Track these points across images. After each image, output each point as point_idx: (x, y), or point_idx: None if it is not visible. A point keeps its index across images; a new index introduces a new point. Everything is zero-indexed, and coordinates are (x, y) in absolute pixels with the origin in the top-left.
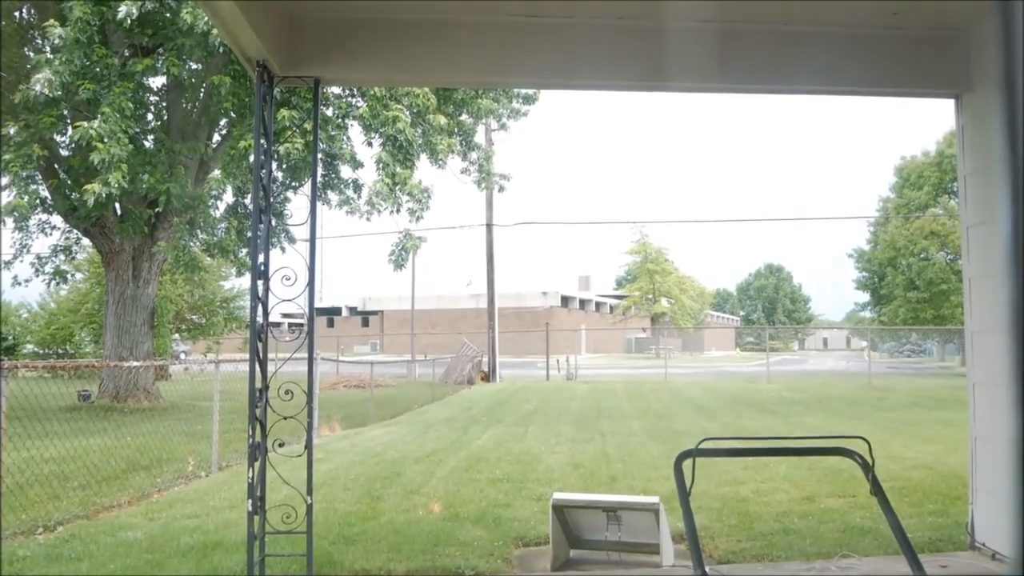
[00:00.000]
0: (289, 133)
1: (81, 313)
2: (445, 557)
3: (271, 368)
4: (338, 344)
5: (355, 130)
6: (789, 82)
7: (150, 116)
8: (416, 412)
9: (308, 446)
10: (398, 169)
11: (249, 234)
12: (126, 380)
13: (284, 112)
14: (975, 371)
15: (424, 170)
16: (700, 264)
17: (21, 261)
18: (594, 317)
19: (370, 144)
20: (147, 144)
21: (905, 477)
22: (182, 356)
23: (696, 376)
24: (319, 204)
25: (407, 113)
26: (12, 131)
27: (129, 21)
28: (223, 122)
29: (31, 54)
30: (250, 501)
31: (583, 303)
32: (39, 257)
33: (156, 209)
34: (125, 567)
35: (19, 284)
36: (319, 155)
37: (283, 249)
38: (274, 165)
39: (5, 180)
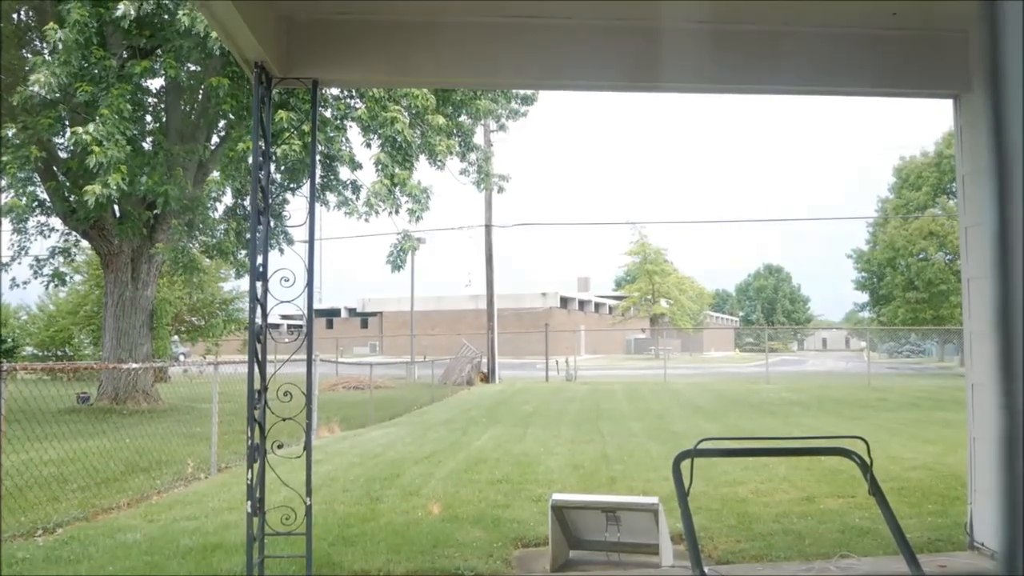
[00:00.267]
0: (287, 135)
1: (80, 315)
2: (444, 558)
3: (270, 370)
4: (337, 345)
5: (353, 131)
6: (787, 82)
7: (148, 118)
8: (415, 413)
9: (307, 447)
10: (397, 170)
11: (248, 236)
12: (125, 382)
13: (282, 114)
14: (974, 371)
15: (423, 171)
16: (699, 265)
17: (19, 263)
18: (593, 318)
19: (369, 145)
20: (146, 146)
21: (904, 477)
22: (181, 358)
23: (695, 377)
24: (317, 205)
25: (405, 114)
26: (10, 133)
27: (127, 22)
28: (221, 124)
29: (29, 56)
30: (249, 503)
31: (582, 304)
32: (38, 259)
33: (155, 211)
34: (124, 569)
35: (17, 286)
36: (317, 156)
37: (282, 251)
38: (273, 167)
39: (4, 182)
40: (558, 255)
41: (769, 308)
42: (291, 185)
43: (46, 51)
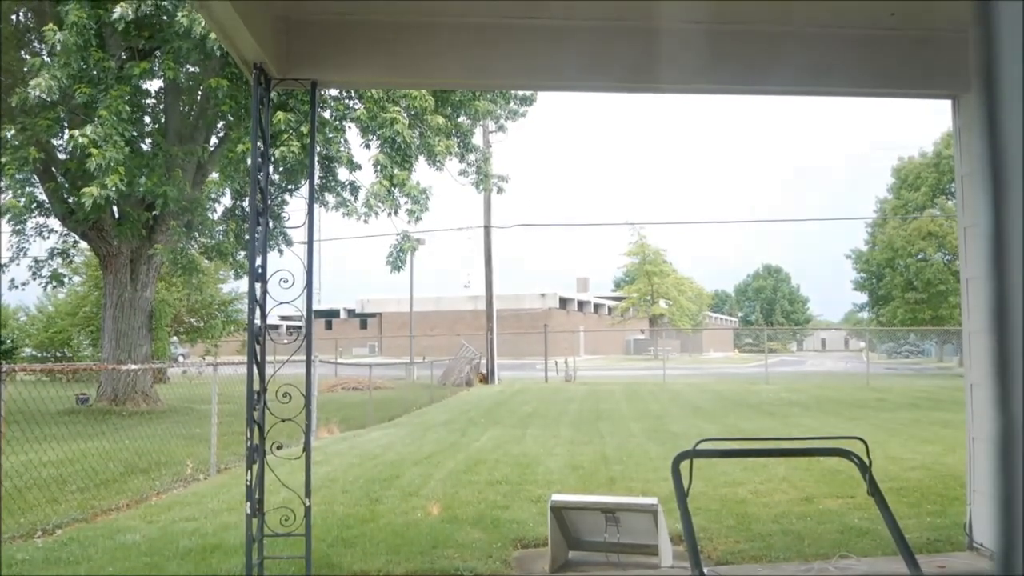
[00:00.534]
0: (286, 136)
1: (79, 316)
2: (444, 559)
3: (269, 370)
4: (336, 346)
5: (352, 132)
6: (786, 82)
7: (147, 119)
8: (415, 414)
9: (306, 448)
10: (396, 171)
11: (247, 237)
12: (124, 383)
13: (281, 115)
14: (973, 371)
15: (422, 172)
16: (698, 265)
17: (18, 264)
18: (592, 319)
19: (368, 146)
20: (144, 147)
21: (903, 478)
22: (180, 359)
23: (694, 377)
24: (316, 206)
25: (404, 115)
26: (9, 134)
27: (125, 24)
28: (220, 125)
29: (28, 57)
30: (248, 504)
31: (581, 304)
32: (37, 260)
33: (154, 212)
34: (124, 570)
35: (17, 287)
36: (316, 157)
37: (281, 252)
38: (271, 168)
39: (3, 183)
40: (557, 256)
41: (768, 309)
42: (290, 186)
43: (45, 53)
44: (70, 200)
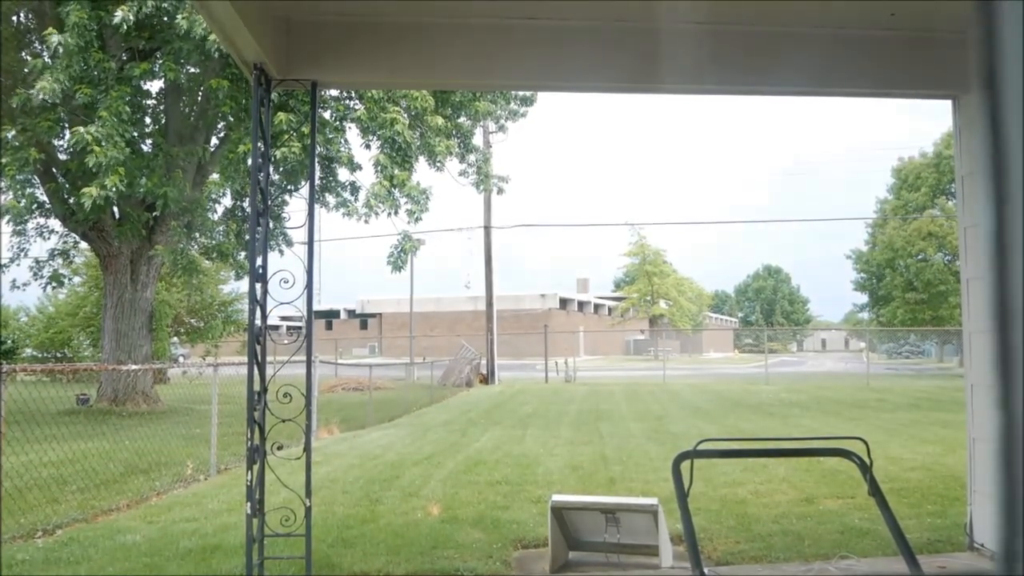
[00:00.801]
0: (287, 136)
1: (79, 317)
2: (444, 559)
3: (269, 371)
4: (336, 347)
5: (352, 132)
6: (786, 83)
7: (148, 120)
8: (415, 415)
9: (307, 449)
10: (396, 171)
11: (247, 237)
12: (124, 384)
13: (282, 115)
14: (973, 372)
15: (422, 173)
16: (698, 266)
17: (18, 265)
18: (592, 319)
19: (368, 146)
20: (145, 148)
21: (904, 478)
22: (180, 359)
23: (694, 378)
24: (317, 207)
25: (404, 115)
26: (10, 135)
27: (126, 26)
28: (221, 125)
29: (28, 58)
30: (249, 504)
31: (581, 305)
32: (38, 261)
33: (154, 213)
34: (124, 570)
35: (18, 288)
36: (316, 158)
37: (281, 252)
38: (272, 168)
39: (3, 184)
40: (557, 256)
41: (768, 309)
42: (290, 187)
43: (46, 54)
44: (70, 201)
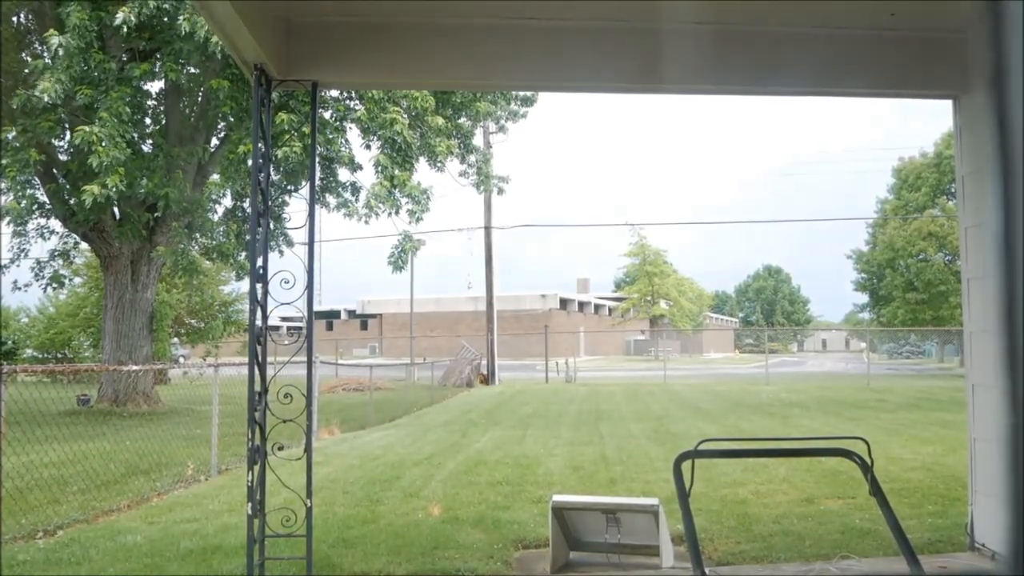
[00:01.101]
0: (287, 136)
1: (80, 317)
2: (444, 560)
3: (270, 371)
4: (337, 347)
5: (353, 133)
6: (786, 83)
7: (148, 121)
8: (415, 415)
9: (307, 449)
10: (396, 171)
11: (248, 237)
12: (125, 384)
13: (282, 116)
14: (974, 372)
15: (423, 173)
16: (698, 266)
17: (18, 265)
18: (593, 319)
19: (368, 147)
20: (145, 149)
21: (904, 478)
22: (181, 360)
23: (695, 378)
24: (317, 207)
25: (404, 115)
26: (10, 136)
27: (127, 28)
28: (221, 126)
29: (28, 59)
30: (250, 504)
31: (582, 305)
32: (39, 262)
33: (155, 213)
34: (125, 571)
35: (19, 289)
36: (317, 158)
37: (281, 252)
38: (272, 169)
39: (3, 185)
40: (558, 257)
41: (768, 309)
42: (291, 187)
43: (46, 55)
44: (71, 201)
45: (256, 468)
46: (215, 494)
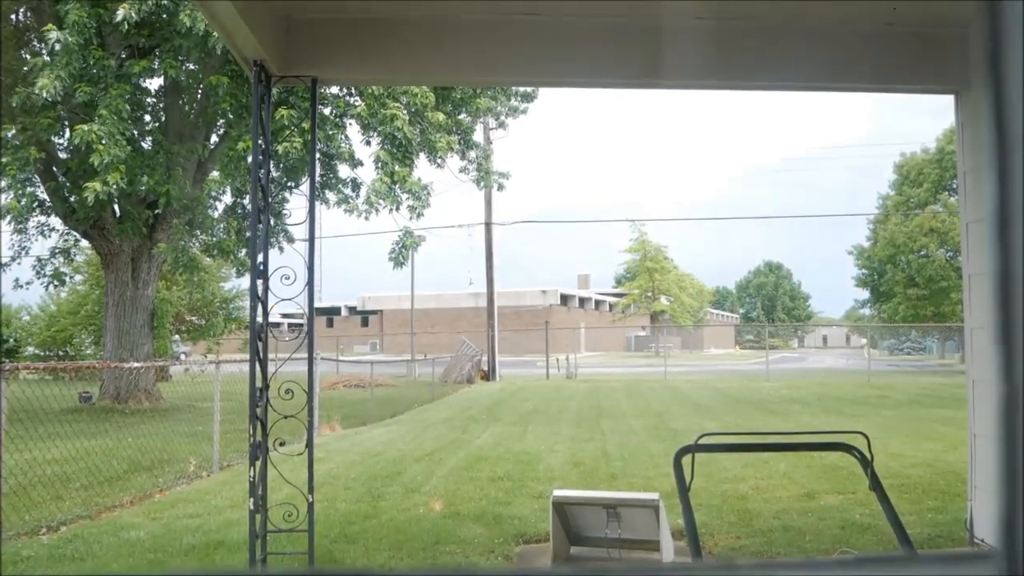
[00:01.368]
0: (287, 133)
1: (81, 315)
2: (446, 555)
3: (271, 368)
4: (338, 344)
5: (353, 129)
6: (789, 78)
7: (148, 118)
8: (416, 411)
9: (309, 445)
10: (396, 167)
11: (248, 234)
12: (127, 381)
13: (282, 111)
14: (975, 368)
15: (423, 169)
16: (699, 262)
17: (19, 263)
18: (593, 315)
19: (368, 143)
20: (145, 146)
21: (904, 474)
22: (182, 357)
23: (695, 374)
24: (317, 203)
25: (404, 111)
26: (10, 134)
27: (127, 25)
28: (221, 123)
29: (28, 56)
30: (251, 500)
31: (582, 301)
32: (40, 260)
33: (155, 210)
34: (128, 567)
35: (21, 287)
36: (317, 154)
37: (281, 249)
38: (272, 165)
39: (3, 183)
40: (558, 252)
41: (769, 305)
42: (291, 183)
43: (45, 53)
44: (71, 199)
45: (258, 464)
46: (217, 490)
